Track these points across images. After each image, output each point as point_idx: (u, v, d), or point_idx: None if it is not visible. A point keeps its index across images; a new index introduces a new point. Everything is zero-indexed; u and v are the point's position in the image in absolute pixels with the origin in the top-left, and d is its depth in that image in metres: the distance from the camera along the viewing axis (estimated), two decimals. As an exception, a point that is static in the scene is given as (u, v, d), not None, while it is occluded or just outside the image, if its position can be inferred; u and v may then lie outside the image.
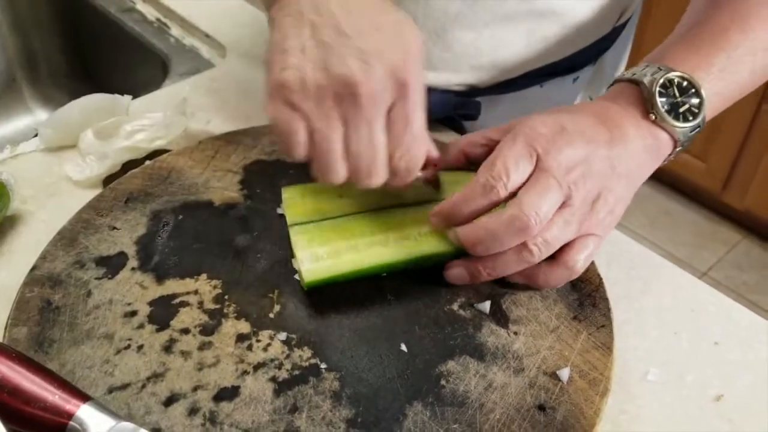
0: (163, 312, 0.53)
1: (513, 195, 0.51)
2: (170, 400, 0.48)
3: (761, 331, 0.58)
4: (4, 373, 0.43)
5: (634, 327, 0.57)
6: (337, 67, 0.47)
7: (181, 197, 0.63)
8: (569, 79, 0.77)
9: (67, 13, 1.05)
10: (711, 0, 0.60)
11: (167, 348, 0.51)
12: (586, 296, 0.56)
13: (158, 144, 0.69)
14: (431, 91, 0.73)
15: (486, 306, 0.55)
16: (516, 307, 0.55)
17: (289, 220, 0.57)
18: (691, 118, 0.54)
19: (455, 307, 0.55)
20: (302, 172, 0.57)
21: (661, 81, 0.53)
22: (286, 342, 0.52)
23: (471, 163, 0.59)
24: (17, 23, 1.06)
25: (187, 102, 0.72)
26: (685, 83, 0.54)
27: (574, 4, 0.69)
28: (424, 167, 0.54)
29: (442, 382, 0.50)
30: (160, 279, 0.56)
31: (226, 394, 0.49)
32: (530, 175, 0.51)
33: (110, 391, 0.48)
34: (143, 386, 0.49)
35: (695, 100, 0.54)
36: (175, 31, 0.93)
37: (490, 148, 0.55)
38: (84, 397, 0.43)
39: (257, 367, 0.50)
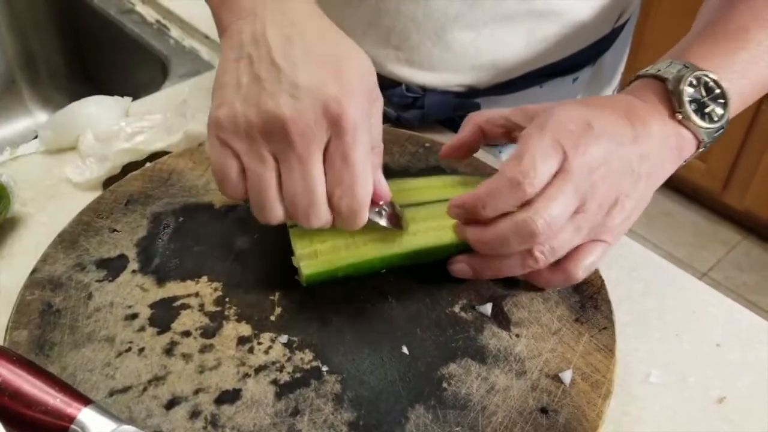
0: (164, 315, 0.53)
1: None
2: (171, 404, 0.48)
3: (762, 331, 0.58)
4: (5, 376, 0.43)
5: (635, 328, 0.57)
6: (266, 103, 0.45)
7: (182, 199, 0.63)
8: (569, 80, 0.77)
9: (67, 15, 1.05)
10: None
11: (168, 351, 0.51)
12: (588, 298, 0.56)
13: (158, 146, 0.69)
14: (431, 92, 0.74)
15: (487, 308, 0.55)
16: (517, 309, 0.55)
17: (289, 221, 0.57)
18: (716, 119, 0.52)
19: (456, 309, 0.55)
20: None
21: (689, 80, 0.52)
22: (288, 345, 0.52)
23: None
24: (16, 25, 1.06)
25: (187, 104, 0.72)
26: (711, 83, 0.52)
27: (574, 5, 0.69)
28: (375, 205, 0.51)
29: (444, 384, 0.50)
30: (160, 281, 0.56)
31: (228, 397, 0.48)
32: (554, 174, 0.49)
33: (111, 394, 0.48)
34: (144, 389, 0.49)
35: (721, 100, 0.53)
36: (175, 32, 0.93)
37: (508, 129, 0.54)
38: (85, 401, 0.43)
39: (258, 369, 0.50)
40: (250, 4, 0.49)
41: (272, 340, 0.52)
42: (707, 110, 0.52)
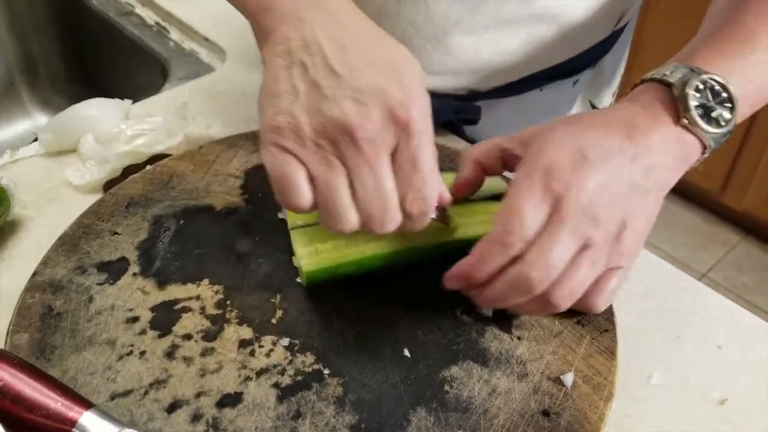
0: (165, 318, 0.53)
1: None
2: (173, 407, 0.48)
3: (762, 332, 0.58)
4: (6, 380, 0.43)
5: (636, 330, 0.57)
6: (330, 110, 0.44)
7: (182, 202, 0.63)
8: (569, 83, 0.77)
9: (66, 17, 1.05)
10: (733, 1, 0.58)
11: (169, 354, 0.51)
12: (589, 300, 0.56)
13: (159, 148, 0.69)
14: (431, 95, 0.73)
15: (489, 310, 0.55)
16: (519, 311, 0.55)
17: (290, 223, 0.57)
18: (723, 123, 0.51)
19: (458, 312, 0.55)
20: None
21: (695, 84, 0.51)
22: (289, 347, 0.52)
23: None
24: (16, 27, 1.06)
25: (188, 106, 0.72)
26: (717, 86, 0.51)
27: (575, 8, 0.69)
28: (436, 207, 0.51)
29: (446, 387, 0.50)
30: (161, 284, 0.56)
31: (229, 400, 0.48)
32: (547, 218, 0.47)
33: (113, 397, 0.48)
34: (146, 393, 0.48)
35: (728, 104, 0.51)
36: (175, 35, 0.93)
37: (504, 159, 0.54)
38: (86, 404, 0.43)
39: (260, 373, 0.50)
40: (293, 8, 0.48)
41: (274, 343, 0.52)
42: (714, 114, 0.51)
